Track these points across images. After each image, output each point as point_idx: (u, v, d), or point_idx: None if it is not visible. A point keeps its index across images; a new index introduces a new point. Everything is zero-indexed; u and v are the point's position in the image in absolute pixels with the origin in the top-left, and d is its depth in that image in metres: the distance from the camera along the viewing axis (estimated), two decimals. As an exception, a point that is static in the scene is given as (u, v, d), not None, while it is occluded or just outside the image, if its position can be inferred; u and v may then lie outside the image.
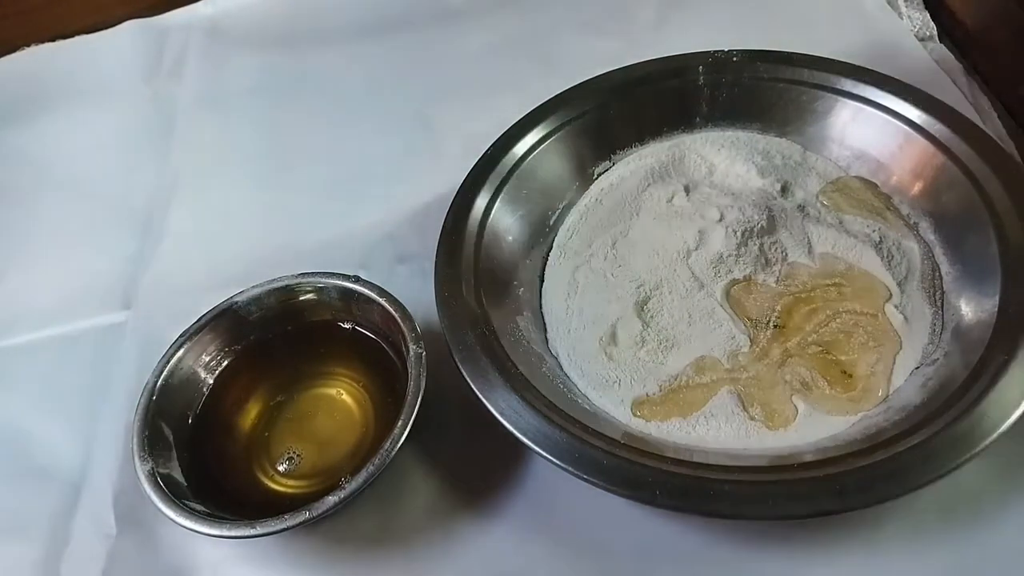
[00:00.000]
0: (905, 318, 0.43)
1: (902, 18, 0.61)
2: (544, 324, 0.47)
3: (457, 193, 0.48)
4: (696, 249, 0.46)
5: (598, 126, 0.52)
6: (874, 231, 0.46)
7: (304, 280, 0.46)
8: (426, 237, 0.47)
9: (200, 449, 0.43)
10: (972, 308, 0.41)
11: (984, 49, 0.58)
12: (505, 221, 0.48)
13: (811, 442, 0.39)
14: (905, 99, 0.47)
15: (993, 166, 0.43)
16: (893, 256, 0.45)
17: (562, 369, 0.44)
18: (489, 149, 0.50)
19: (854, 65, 0.49)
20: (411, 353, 0.41)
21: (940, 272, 0.44)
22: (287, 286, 0.46)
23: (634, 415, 0.42)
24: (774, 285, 0.45)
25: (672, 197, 0.49)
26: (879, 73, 0.49)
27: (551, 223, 0.50)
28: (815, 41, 0.52)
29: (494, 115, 0.51)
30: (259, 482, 0.43)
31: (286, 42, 0.71)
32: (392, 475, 0.43)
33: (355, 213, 0.57)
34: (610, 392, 0.42)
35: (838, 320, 0.43)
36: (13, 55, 0.73)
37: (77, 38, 0.73)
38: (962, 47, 0.59)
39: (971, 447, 0.35)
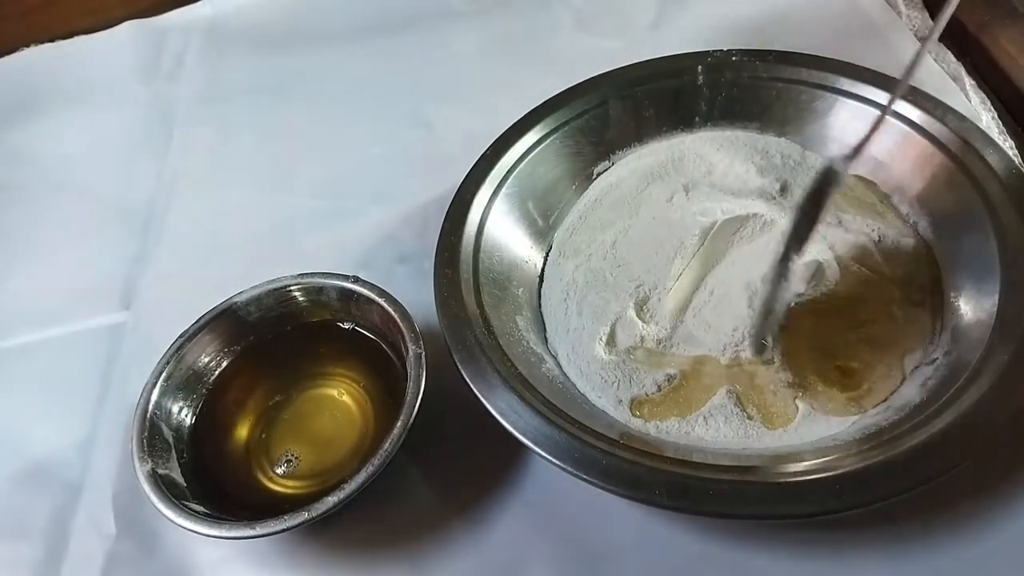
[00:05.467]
0: (905, 318, 0.43)
1: (901, 17, 0.61)
2: (543, 324, 0.47)
3: (456, 193, 0.48)
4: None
5: (598, 126, 0.52)
6: (873, 230, 0.46)
7: (303, 280, 0.46)
8: (426, 237, 0.47)
9: (200, 450, 0.43)
10: (972, 308, 0.41)
11: (984, 49, 0.57)
12: (504, 221, 0.48)
13: (811, 442, 0.39)
14: (905, 99, 0.47)
15: (993, 166, 0.43)
16: (893, 256, 0.45)
17: (561, 369, 0.44)
18: (489, 149, 0.50)
19: (853, 65, 0.49)
20: (410, 353, 0.41)
21: (940, 272, 0.44)
22: (286, 286, 0.46)
23: (633, 415, 0.42)
24: (774, 285, 0.45)
25: (671, 197, 0.49)
26: (878, 73, 0.49)
27: (551, 223, 0.50)
28: (814, 41, 0.52)
29: (494, 115, 0.51)
30: (259, 482, 0.43)
31: (285, 42, 0.71)
32: (392, 475, 0.43)
33: (355, 213, 0.57)
34: (609, 392, 0.42)
35: (837, 320, 0.43)
36: (13, 55, 0.73)
37: (76, 38, 0.73)
38: (962, 46, 0.59)
39: (971, 447, 0.35)
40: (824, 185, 0.38)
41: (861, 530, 0.38)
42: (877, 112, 0.48)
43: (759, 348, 0.42)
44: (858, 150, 0.38)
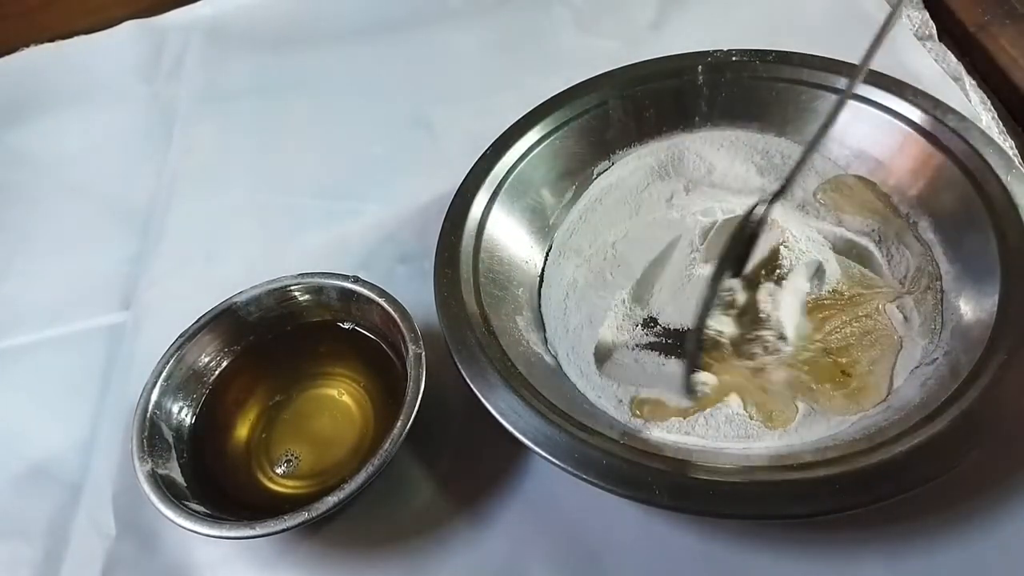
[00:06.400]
0: (905, 318, 0.43)
1: (901, 17, 0.61)
2: (543, 324, 0.47)
3: (456, 193, 0.48)
4: (696, 249, 0.46)
5: (598, 126, 0.52)
6: (873, 230, 0.46)
7: (303, 280, 0.46)
8: (426, 237, 0.47)
9: (200, 450, 0.43)
10: (972, 307, 0.41)
11: (984, 49, 0.57)
12: (504, 221, 0.48)
13: (811, 442, 0.39)
14: (905, 99, 0.47)
15: (992, 166, 0.43)
16: (893, 255, 0.45)
17: (561, 369, 0.44)
18: (489, 149, 0.50)
19: (853, 64, 0.49)
20: (410, 353, 0.41)
21: (940, 271, 0.44)
22: (286, 286, 0.46)
23: (634, 415, 0.42)
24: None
25: (672, 197, 0.49)
26: (879, 73, 0.49)
27: (550, 223, 0.51)
28: (815, 41, 0.52)
29: (494, 115, 0.51)
30: (259, 482, 0.43)
31: (285, 42, 0.71)
32: (392, 475, 0.43)
33: (355, 213, 0.57)
34: (609, 392, 0.42)
35: (837, 319, 0.43)
36: (13, 55, 0.73)
37: (76, 38, 0.73)
38: (962, 46, 0.59)
39: (971, 447, 0.35)
40: (753, 227, 0.40)
41: (861, 530, 0.38)
42: (877, 112, 0.48)
43: (691, 389, 0.40)
44: (789, 180, 0.40)
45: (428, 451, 0.44)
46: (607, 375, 0.43)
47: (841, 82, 0.49)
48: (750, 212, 0.40)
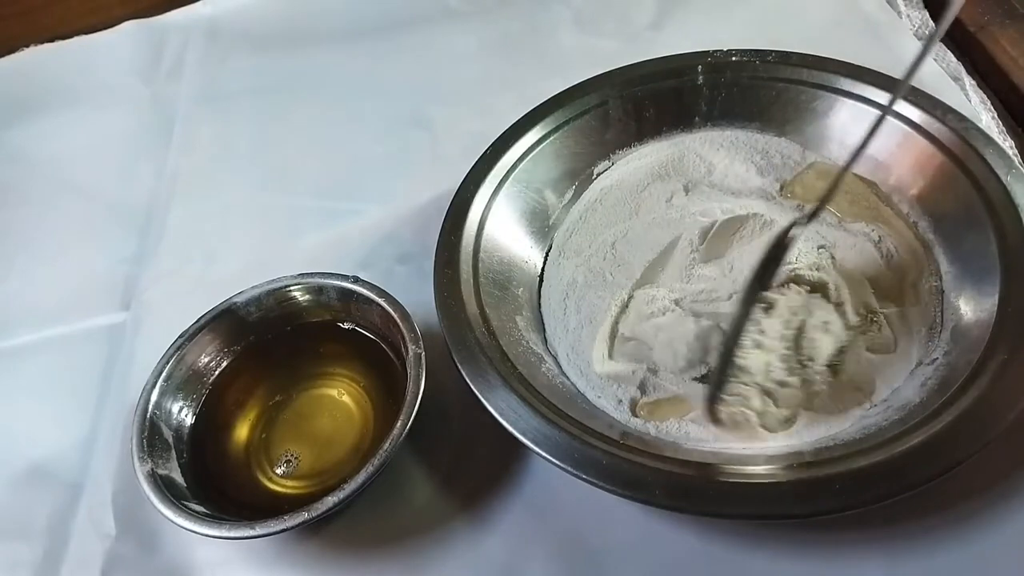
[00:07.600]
0: (905, 318, 0.43)
1: (901, 17, 0.61)
2: (543, 324, 0.47)
3: (456, 193, 0.48)
4: (695, 249, 0.46)
5: (597, 126, 0.52)
6: (873, 230, 0.46)
7: (303, 280, 0.46)
8: (426, 237, 0.47)
9: (199, 450, 0.43)
10: (972, 307, 0.41)
11: (984, 49, 0.57)
12: (504, 221, 0.48)
13: (811, 442, 0.39)
14: (905, 99, 0.47)
15: (993, 166, 0.43)
16: (892, 255, 0.45)
17: (561, 369, 0.44)
18: (488, 149, 0.50)
19: (853, 64, 0.49)
20: (410, 353, 0.41)
21: (940, 271, 0.44)
22: (286, 286, 0.46)
23: (633, 415, 0.42)
24: (774, 285, 0.45)
25: (671, 197, 0.49)
26: (878, 72, 0.49)
27: (550, 223, 0.51)
28: (814, 41, 0.52)
29: (494, 115, 0.51)
30: (259, 483, 0.43)
31: (285, 42, 0.71)
32: (392, 475, 0.43)
33: (355, 213, 0.57)
34: (609, 392, 0.42)
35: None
36: (13, 55, 0.73)
37: (76, 38, 0.73)
38: (962, 46, 0.59)
39: (971, 447, 0.35)
40: (783, 245, 0.39)
41: (861, 530, 0.38)
42: (876, 112, 0.48)
43: (713, 412, 0.39)
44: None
45: (428, 451, 0.44)
46: (608, 374, 0.43)
47: (841, 82, 0.49)
48: (788, 231, 0.39)
